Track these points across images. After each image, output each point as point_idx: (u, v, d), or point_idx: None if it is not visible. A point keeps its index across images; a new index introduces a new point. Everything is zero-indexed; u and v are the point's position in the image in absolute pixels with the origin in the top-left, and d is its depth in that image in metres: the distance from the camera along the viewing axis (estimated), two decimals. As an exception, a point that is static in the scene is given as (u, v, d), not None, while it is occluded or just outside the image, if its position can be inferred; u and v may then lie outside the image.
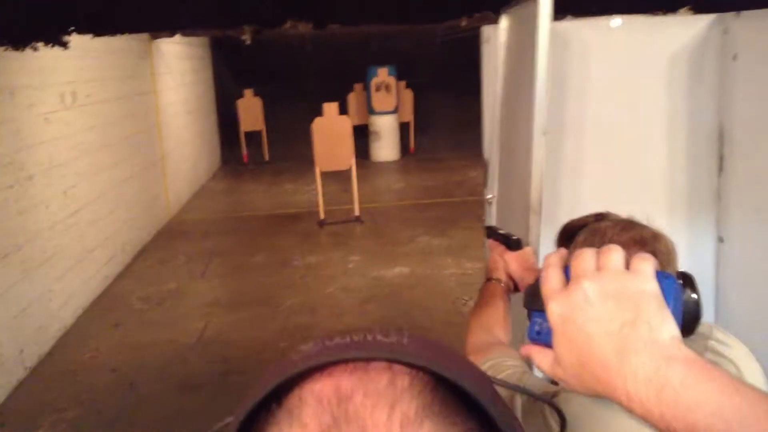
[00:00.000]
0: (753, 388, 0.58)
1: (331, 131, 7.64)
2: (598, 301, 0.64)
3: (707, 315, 2.49)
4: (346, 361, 0.47)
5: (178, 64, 9.98)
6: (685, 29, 2.43)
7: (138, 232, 7.34)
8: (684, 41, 2.42)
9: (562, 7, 3.65)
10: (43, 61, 4.98)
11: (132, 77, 7.64)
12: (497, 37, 2.39)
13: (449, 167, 11.62)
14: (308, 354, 0.48)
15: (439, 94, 13.63)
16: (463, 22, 4.52)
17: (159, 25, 5.04)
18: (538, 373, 0.99)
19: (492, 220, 2.55)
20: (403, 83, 12.65)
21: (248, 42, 4.74)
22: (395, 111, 12.49)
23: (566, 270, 0.70)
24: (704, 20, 2.43)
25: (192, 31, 7.13)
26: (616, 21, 2.43)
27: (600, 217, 1.12)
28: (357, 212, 8.10)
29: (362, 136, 12.19)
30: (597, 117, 2.42)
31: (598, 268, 0.66)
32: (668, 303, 0.65)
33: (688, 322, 1.07)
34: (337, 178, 8.54)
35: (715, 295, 2.52)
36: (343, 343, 0.49)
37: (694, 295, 1.06)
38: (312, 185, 8.20)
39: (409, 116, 12.93)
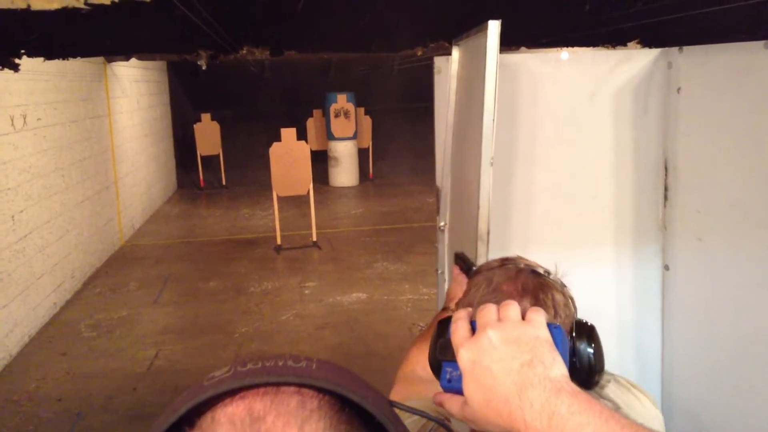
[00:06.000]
0: (625, 418, 0.70)
1: (288, 156, 7.63)
2: (501, 346, 0.76)
3: (655, 339, 2.55)
4: (258, 386, 0.50)
5: (133, 87, 9.88)
6: (631, 63, 2.50)
7: (89, 257, 7.18)
8: (629, 75, 2.49)
9: (515, 40, 3.74)
10: (-8, 83, 4.89)
11: (86, 100, 7.52)
12: (449, 68, 2.42)
13: (407, 193, 11.69)
14: (221, 379, 0.51)
15: (397, 121, 13.73)
16: (419, 52, 4.58)
17: (113, 50, 4.99)
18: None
19: (444, 247, 2.57)
20: (361, 109, 12.73)
21: (204, 67, 4.72)
22: (354, 137, 12.54)
23: (472, 324, 0.81)
24: (649, 55, 2.50)
25: (147, 55, 7.07)
26: (564, 54, 2.49)
27: (505, 261, 1.15)
28: (314, 237, 8.06)
29: (321, 161, 12.21)
30: (546, 147, 2.46)
31: (500, 319, 0.79)
32: (557, 347, 0.78)
33: (586, 374, 1.08)
34: (295, 203, 8.52)
35: (662, 321, 2.58)
36: (256, 368, 0.52)
37: (590, 349, 1.07)
38: (269, 210, 8.15)
39: (367, 142, 13.00)
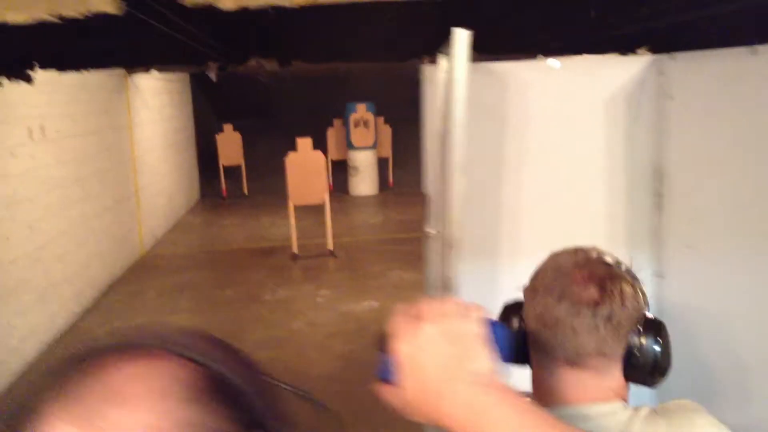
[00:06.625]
0: (547, 414, 0.73)
1: (304, 166, 7.69)
2: (436, 339, 0.78)
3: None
4: (126, 348, 0.53)
5: (155, 98, 10.03)
6: (622, 70, 2.49)
7: (108, 266, 7.30)
8: (621, 82, 2.48)
9: (520, 47, 3.73)
10: (9, 95, 5.00)
11: (106, 112, 7.66)
12: (437, 77, 2.43)
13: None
14: (96, 339, 0.54)
15: (417, 130, 13.72)
16: (426, 62, 4.60)
17: (123, 62, 5.09)
18: None
19: (433, 255, 2.57)
20: (381, 119, 12.77)
21: (214, 79, 4.79)
22: (374, 146, 12.58)
23: (414, 319, 0.82)
24: (641, 62, 2.49)
25: (163, 66, 7.19)
26: (556, 62, 2.49)
27: (579, 251, 1.13)
28: (330, 246, 8.10)
29: (342, 170, 12.27)
30: (537, 156, 2.46)
31: (438, 314, 0.80)
32: (495, 344, 0.79)
33: (649, 370, 1.05)
34: (313, 212, 8.56)
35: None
36: (128, 333, 0.55)
37: (656, 346, 1.04)
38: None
39: (387, 151, 13.03)
